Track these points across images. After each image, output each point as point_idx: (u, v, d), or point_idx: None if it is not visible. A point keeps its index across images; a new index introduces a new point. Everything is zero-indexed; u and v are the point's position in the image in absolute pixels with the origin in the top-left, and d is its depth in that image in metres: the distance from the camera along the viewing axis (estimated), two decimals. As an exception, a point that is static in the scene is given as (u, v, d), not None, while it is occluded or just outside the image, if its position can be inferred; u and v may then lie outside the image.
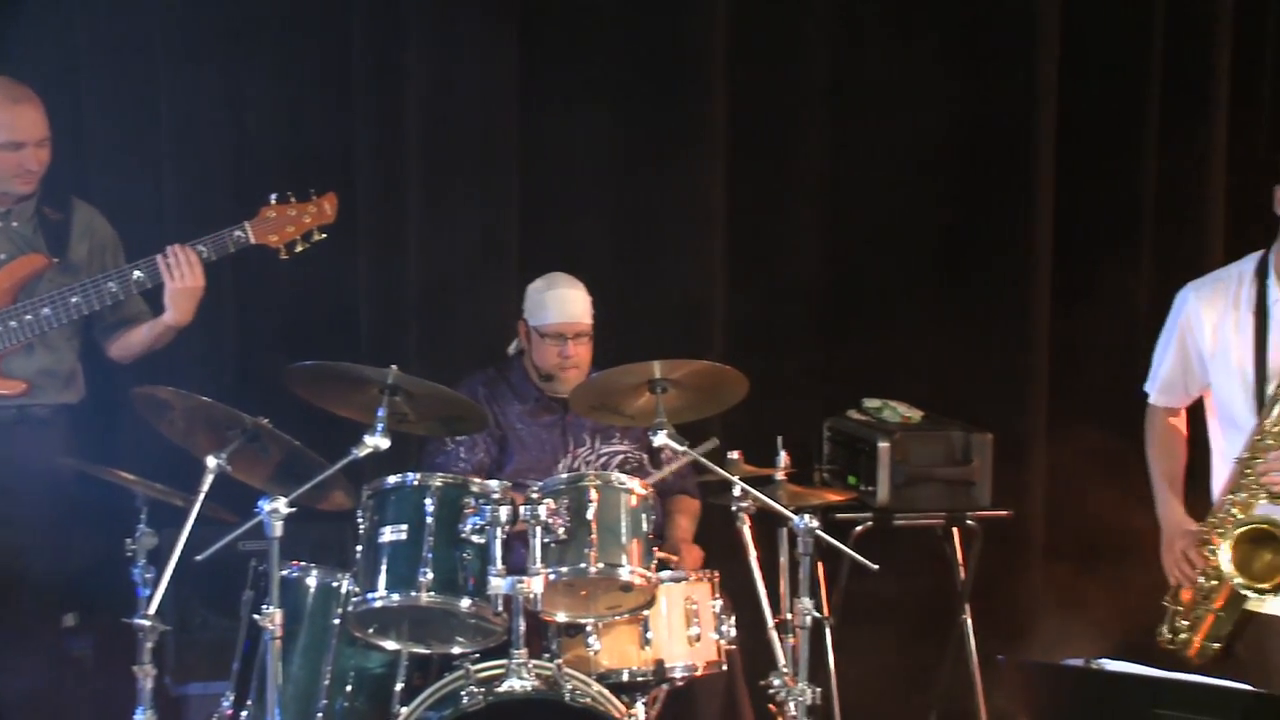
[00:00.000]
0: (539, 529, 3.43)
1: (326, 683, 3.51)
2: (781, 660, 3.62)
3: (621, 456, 4.15)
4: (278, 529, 3.34)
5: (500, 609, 3.42)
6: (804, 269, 4.80)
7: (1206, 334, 3.59)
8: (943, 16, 4.78)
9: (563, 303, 4.12)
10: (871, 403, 4.61)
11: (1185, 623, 3.53)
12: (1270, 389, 3.47)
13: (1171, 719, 2.70)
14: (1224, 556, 3.41)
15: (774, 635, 3.67)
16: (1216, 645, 3.49)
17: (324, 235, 3.86)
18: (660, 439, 3.57)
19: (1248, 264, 3.61)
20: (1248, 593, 3.42)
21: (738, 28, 4.68)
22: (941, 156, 4.82)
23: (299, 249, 3.84)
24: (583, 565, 3.47)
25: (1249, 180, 4.57)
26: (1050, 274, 4.78)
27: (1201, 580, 3.50)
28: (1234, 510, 3.47)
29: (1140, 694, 2.76)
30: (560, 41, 4.66)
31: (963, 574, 4.49)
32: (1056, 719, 2.87)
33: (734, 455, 3.83)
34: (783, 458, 3.90)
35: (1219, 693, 2.76)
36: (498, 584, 3.38)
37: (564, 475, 3.69)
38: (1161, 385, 3.70)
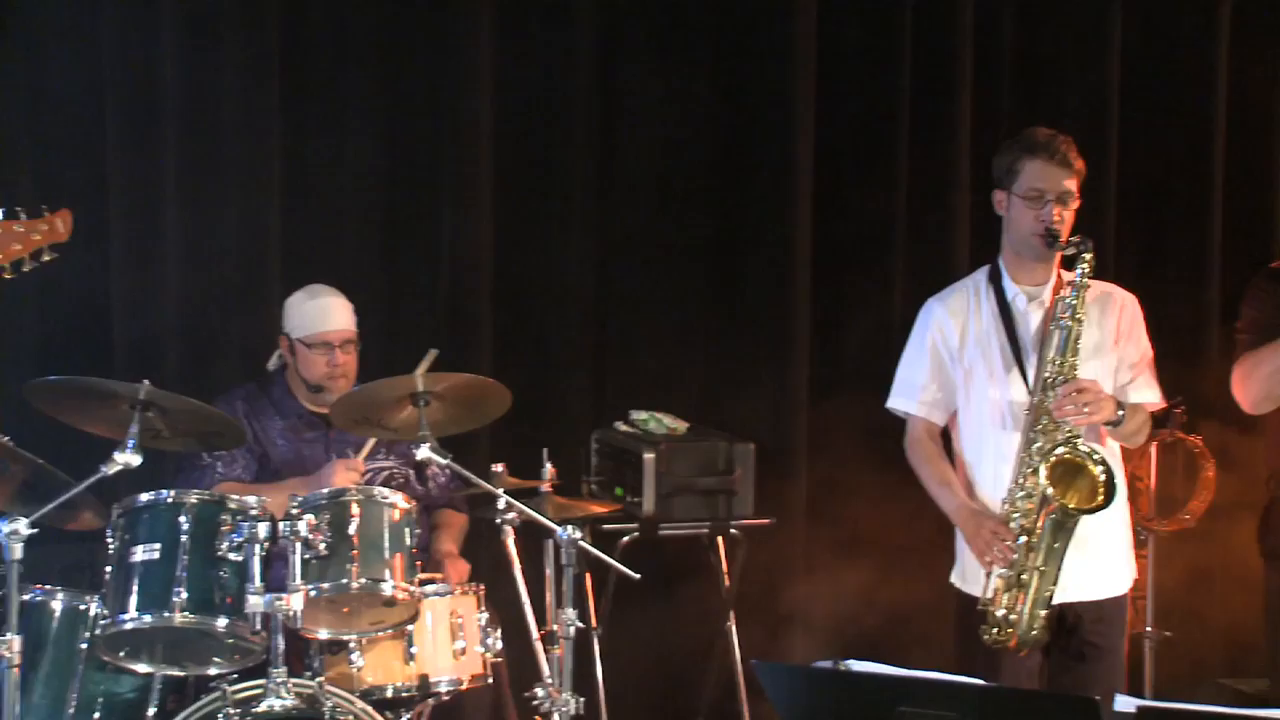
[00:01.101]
0: (299, 545, 3.39)
1: (71, 710, 3.39)
2: (546, 671, 3.65)
3: (387, 472, 4.12)
4: (17, 551, 3.21)
5: (259, 627, 3.35)
6: (573, 281, 4.83)
7: (956, 339, 3.74)
8: (703, 33, 4.85)
9: (327, 311, 4.08)
10: (638, 415, 4.68)
11: (1007, 606, 3.57)
12: (1030, 365, 3.64)
13: (914, 715, 2.79)
14: (1042, 479, 3.49)
15: (539, 646, 3.70)
16: (1044, 613, 3.55)
17: (55, 255, 3.66)
18: (423, 452, 3.56)
19: (980, 274, 3.80)
20: (1077, 512, 3.49)
21: (503, 37, 4.67)
22: (705, 171, 4.90)
23: (26, 268, 3.64)
24: (344, 581, 3.44)
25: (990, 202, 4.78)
26: (811, 287, 4.89)
27: (1022, 539, 3.56)
28: (1035, 459, 3.57)
29: (885, 692, 2.85)
30: (323, 45, 4.58)
31: (727, 581, 4.60)
32: None
33: (498, 468, 3.84)
34: (548, 470, 3.94)
35: (955, 688, 2.87)
36: (256, 602, 3.32)
37: (325, 490, 3.64)
38: (923, 398, 3.81)
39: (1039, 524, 3.54)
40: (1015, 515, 3.58)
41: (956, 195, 4.94)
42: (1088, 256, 3.57)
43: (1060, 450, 3.54)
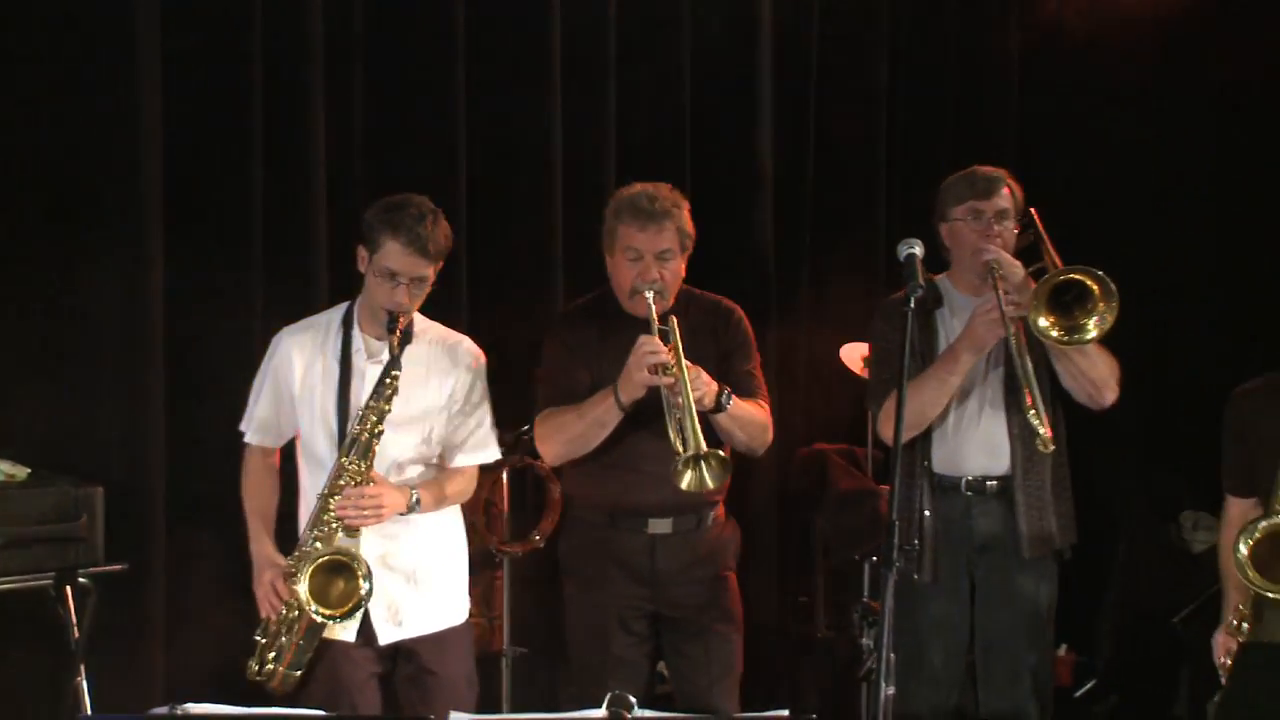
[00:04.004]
0: None
1: None
2: None
3: None
4: None
5: None
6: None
7: (297, 377, 3.80)
8: (39, 45, 4.52)
9: None
10: (-29, 463, 4.34)
11: (272, 654, 3.69)
12: (351, 431, 3.73)
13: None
14: (302, 588, 3.61)
15: None
16: (297, 673, 3.68)
17: None
18: None
19: (337, 313, 3.90)
20: (325, 621, 3.63)
21: None
22: (50, 186, 4.54)
23: None
24: None
25: (348, 226, 4.81)
26: (164, 317, 4.67)
27: (285, 611, 3.68)
28: (316, 543, 3.68)
29: (221, 734, 2.84)
30: None
31: (76, 634, 4.35)
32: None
33: None
34: None
35: (292, 722, 2.91)
36: None
37: None
38: (259, 425, 3.85)
39: (299, 621, 3.68)
40: (295, 576, 3.69)
41: (314, 219, 4.88)
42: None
43: (334, 555, 3.65)
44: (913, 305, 3.46)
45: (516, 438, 4.85)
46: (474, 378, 3.91)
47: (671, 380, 3.73)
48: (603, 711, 2.94)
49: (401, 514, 3.73)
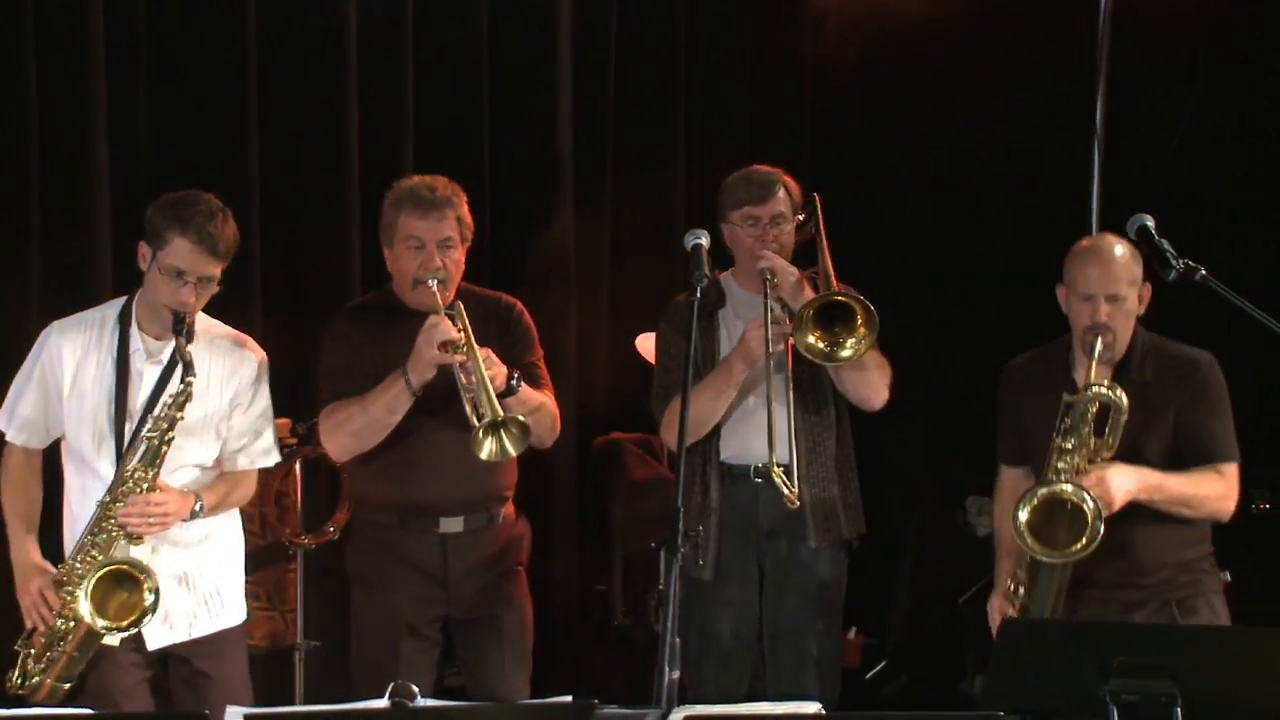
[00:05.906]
0: None
1: None
2: None
3: None
4: None
5: None
6: None
7: (68, 376, 3.64)
8: None
9: None
10: None
11: (39, 665, 3.54)
12: (129, 432, 3.60)
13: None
14: (83, 599, 3.47)
15: None
16: (67, 686, 3.55)
17: None
18: None
19: (113, 309, 3.75)
20: (108, 633, 3.49)
21: None
22: None
23: None
24: None
25: (132, 221, 4.64)
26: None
27: (60, 623, 3.53)
28: (94, 552, 3.54)
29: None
30: None
31: None
32: None
33: None
34: None
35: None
36: None
37: None
38: (23, 424, 3.69)
39: (74, 632, 3.53)
40: (69, 589, 3.54)
41: (95, 205, 4.70)
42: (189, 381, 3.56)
43: (120, 564, 3.51)
44: (699, 295, 3.50)
45: (310, 428, 4.77)
46: (257, 380, 3.82)
47: (463, 357, 3.72)
48: (385, 701, 2.91)
49: (184, 520, 3.64)
